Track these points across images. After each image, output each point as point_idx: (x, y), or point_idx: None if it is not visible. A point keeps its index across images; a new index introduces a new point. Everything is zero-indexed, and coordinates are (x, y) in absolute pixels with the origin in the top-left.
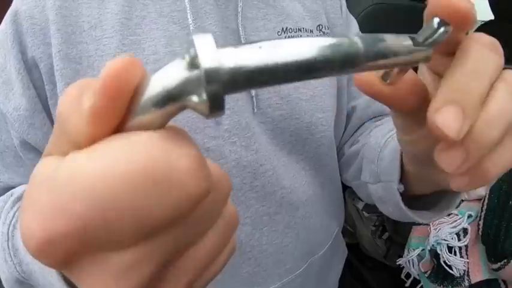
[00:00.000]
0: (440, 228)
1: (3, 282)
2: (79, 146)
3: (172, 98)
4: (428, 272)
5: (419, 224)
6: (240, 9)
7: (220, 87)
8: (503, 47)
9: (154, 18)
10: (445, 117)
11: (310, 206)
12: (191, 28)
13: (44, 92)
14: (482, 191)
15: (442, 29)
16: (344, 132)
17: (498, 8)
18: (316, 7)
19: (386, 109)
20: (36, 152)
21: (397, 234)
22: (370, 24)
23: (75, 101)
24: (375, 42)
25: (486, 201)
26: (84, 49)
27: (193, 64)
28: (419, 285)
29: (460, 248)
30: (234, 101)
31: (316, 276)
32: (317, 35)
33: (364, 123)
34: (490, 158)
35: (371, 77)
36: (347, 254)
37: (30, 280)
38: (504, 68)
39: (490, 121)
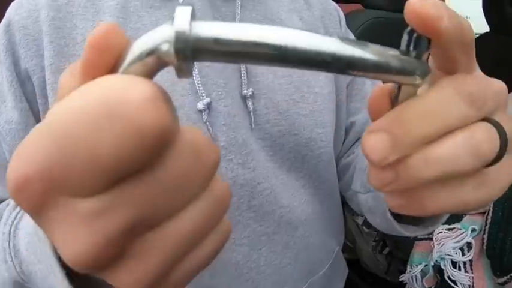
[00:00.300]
0: (443, 243)
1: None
2: None
3: (150, 51)
4: (433, 287)
5: (421, 239)
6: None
7: (189, 41)
8: (498, 58)
9: (149, 30)
10: (372, 143)
11: (310, 225)
12: None
13: (37, 105)
14: None
15: (414, 35)
16: (342, 146)
17: (493, 20)
18: (315, 21)
19: None
20: None
21: (398, 249)
22: (368, 38)
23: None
24: (355, 45)
25: (490, 214)
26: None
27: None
28: None
29: (464, 262)
30: (230, 117)
31: None
32: None
33: (361, 136)
34: (429, 194)
35: (383, 102)
36: (347, 271)
37: (29, 283)
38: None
39: (429, 160)
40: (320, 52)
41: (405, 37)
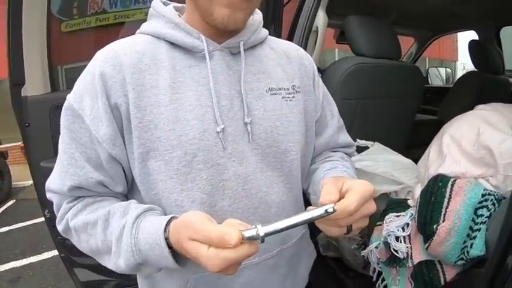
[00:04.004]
0: (390, 225)
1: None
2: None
3: (253, 237)
4: (384, 258)
5: (378, 225)
6: (242, 77)
7: (264, 237)
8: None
9: (189, 82)
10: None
11: (281, 207)
12: (212, 89)
13: (121, 125)
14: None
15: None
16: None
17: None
18: (292, 73)
19: (334, 145)
20: (115, 162)
21: None
22: (353, 80)
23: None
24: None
25: (419, 199)
26: (148, 100)
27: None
28: None
29: (404, 237)
30: (235, 136)
31: (288, 263)
32: (291, 92)
33: (321, 152)
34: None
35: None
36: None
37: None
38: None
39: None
40: (302, 222)
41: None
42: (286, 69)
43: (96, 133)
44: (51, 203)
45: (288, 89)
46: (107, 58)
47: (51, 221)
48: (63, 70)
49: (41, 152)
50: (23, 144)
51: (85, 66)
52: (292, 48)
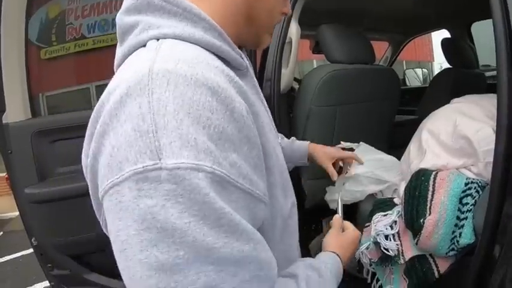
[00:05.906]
0: (378, 224)
1: None
2: None
3: None
4: (376, 259)
5: (367, 226)
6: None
7: None
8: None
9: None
10: None
11: None
12: (268, 113)
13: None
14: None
15: None
16: None
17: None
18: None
19: None
20: None
21: None
22: (329, 87)
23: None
24: None
25: (403, 196)
26: (262, 132)
27: None
28: None
29: (393, 235)
30: None
31: None
32: None
33: None
34: None
35: None
36: None
37: None
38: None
39: None
40: None
41: None
42: None
43: (259, 192)
44: (38, 230)
45: None
46: (222, 82)
47: (39, 248)
48: (44, 97)
49: (25, 179)
50: (7, 175)
51: (65, 92)
52: None
